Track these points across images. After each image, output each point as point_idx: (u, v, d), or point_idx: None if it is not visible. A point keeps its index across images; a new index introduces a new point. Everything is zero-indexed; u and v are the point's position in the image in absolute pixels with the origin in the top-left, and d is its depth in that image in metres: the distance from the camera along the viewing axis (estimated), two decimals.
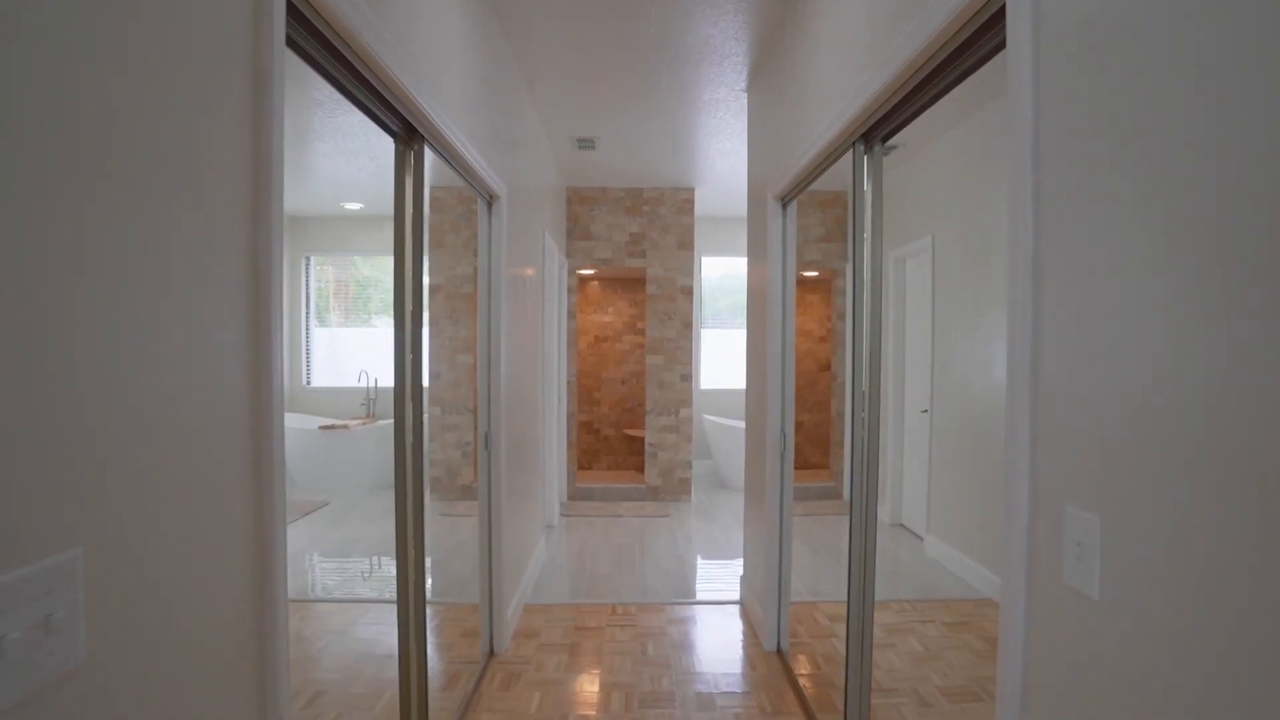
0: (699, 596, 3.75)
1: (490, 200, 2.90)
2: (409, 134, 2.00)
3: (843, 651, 3.37)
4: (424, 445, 2.09)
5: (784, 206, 2.96)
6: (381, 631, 2.78)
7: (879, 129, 1.93)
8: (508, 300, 3.11)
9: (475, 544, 3.10)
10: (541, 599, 3.68)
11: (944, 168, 4.26)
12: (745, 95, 3.69)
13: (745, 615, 3.48)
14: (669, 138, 4.50)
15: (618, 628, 3.30)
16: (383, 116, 1.86)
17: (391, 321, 2.09)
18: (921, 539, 4.57)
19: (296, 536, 4.72)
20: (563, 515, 5.47)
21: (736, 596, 3.74)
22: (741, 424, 6.89)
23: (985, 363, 3.76)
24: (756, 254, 3.38)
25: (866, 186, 2.00)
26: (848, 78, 2.05)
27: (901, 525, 5.17)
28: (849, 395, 5.40)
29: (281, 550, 1.14)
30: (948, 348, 4.29)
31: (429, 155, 2.28)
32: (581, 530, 5.07)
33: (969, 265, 4.05)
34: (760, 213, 3.29)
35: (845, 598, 3.78)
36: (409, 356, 1.98)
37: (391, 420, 5.82)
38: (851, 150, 2.04)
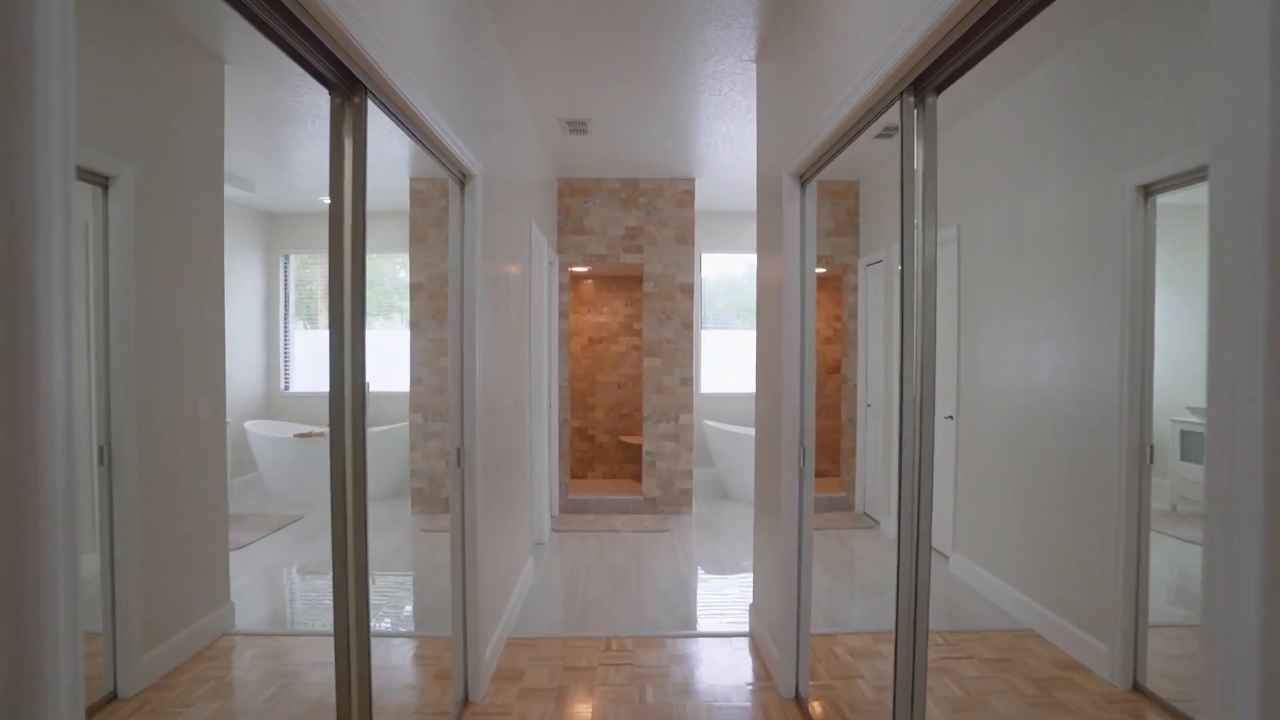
0: (703, 626, 3.36)
1: (462, 179, 2.51)
2: (348, 84, 1.61)
3: (870, 696, 2.98)
4: (365, 459, 1.71)
5: (802, 186, 2.58)
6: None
7: (932, 75, 1.54)
8: (485, 296, 2.72)
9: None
10: (528, 630, 3.28)
11: (973, 146, 3.87)
12: (754, 66, 3.30)
13: (756, 650, 3.09)
14: (668, 119, 4.12)
15: (612, 667, 2.90)
16: (313, 60, 1.47)
17: (344, 323, 1.70)
18: (946, 557, 4.17)
19: (263, 555, 4.30)
20: (554, 530, 5.07)
21: (745, 627, 3.35)
22: (745, 430, 6.51)
23: (1023, 366, 3.38)
24: (769, 244, 3.00)
25: (918, 150, 1.61)
26: (892, 15, 1.66)
27: None
28: (862, 399, 4.97)
29: (56, 582, 0.75)
30: (976, 349, 3.90)
31: (388, 124, 1.90)
32: (574, 547, 4.67)
33: (1003, 257, 3.66)
34: (773, 197, 2.91)
35: (869, 628, 3.40)
36: (348, 359, 1.60)
37: (380, 429, 5.38)
38: (899, 103, 1.65)
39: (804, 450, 2.56)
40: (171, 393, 1.70)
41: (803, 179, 2.56)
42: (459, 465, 2.51)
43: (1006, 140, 3.89)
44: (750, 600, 3.60)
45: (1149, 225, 1.82)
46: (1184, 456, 1.98)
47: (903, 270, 1.65)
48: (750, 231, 6.80)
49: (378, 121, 1.79)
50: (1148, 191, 1.85)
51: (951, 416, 4.47)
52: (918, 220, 1.62)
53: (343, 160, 1.60)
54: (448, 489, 2.99)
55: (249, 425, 6.67)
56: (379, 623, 3.26)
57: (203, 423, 1.86)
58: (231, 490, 6.18)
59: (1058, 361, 3.53)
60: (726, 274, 6.98)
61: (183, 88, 1.72)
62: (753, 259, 6.95)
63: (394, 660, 3.00)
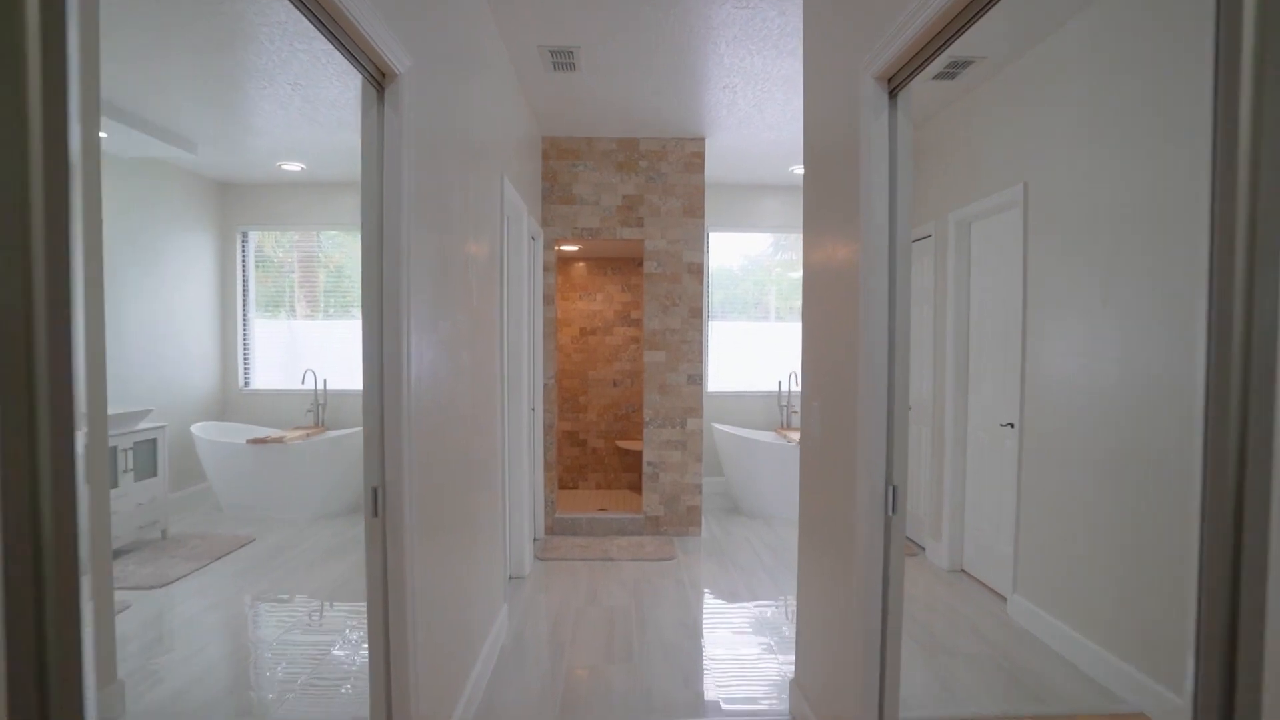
0: (728, 704, 2.53)
1: (379, 80, 1.65)
2: None
3: None
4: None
5: (892, 96, 1.73)
6: None
7: None
8: (423, 263, 1.86)
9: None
10: (495, 716, 2.44)
11: (1047, 86, 3.01)
12: None
13: None
14: (676, 47, 3.25)
15: None
16: None
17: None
18: (1005, 599, 3.32)
19: (194, 594, 3.43)
20: (537, 558, 4.23)
21: (782, 705, 2.53)
22: (759, 436, 5.68)
23: (1118, 362, 2.54)
24: (829, 196, 2.15)
25: None
26: None
27: (964, 572, 3.89)
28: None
29: None
30: (1045, 340, 3.07)
31: None
32: (561, 583, 3.83)
33: (1084, 227, 2.83)
34: (838, 122, 2.06)
35: (944, 713, 2.56)
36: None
37: (344, 431, 4.45)
38: None
39: (892, 491, 1.72)
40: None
41: (892, 85, 1.71)
42: (377, 514, 1.66)
43: (1102, 66, 3.02)
44: (791, 673, 2.77)
45: None
46: None
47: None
48: (765, 207, 5.95)
49: None
50: None
51: (1011, 424, 3.61)
52: None
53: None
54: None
55: (196, 429, 5.75)
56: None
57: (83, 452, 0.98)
58: (173, 505, 5.30)
59: (1158, 352, 2.70)
60: (722, 266, 6.12)
61: None
62: (757, 243, 6.10)
63: None
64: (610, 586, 3.76)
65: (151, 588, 3.60)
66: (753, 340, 6.10)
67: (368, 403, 1.66)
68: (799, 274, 6.13)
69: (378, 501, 1.66)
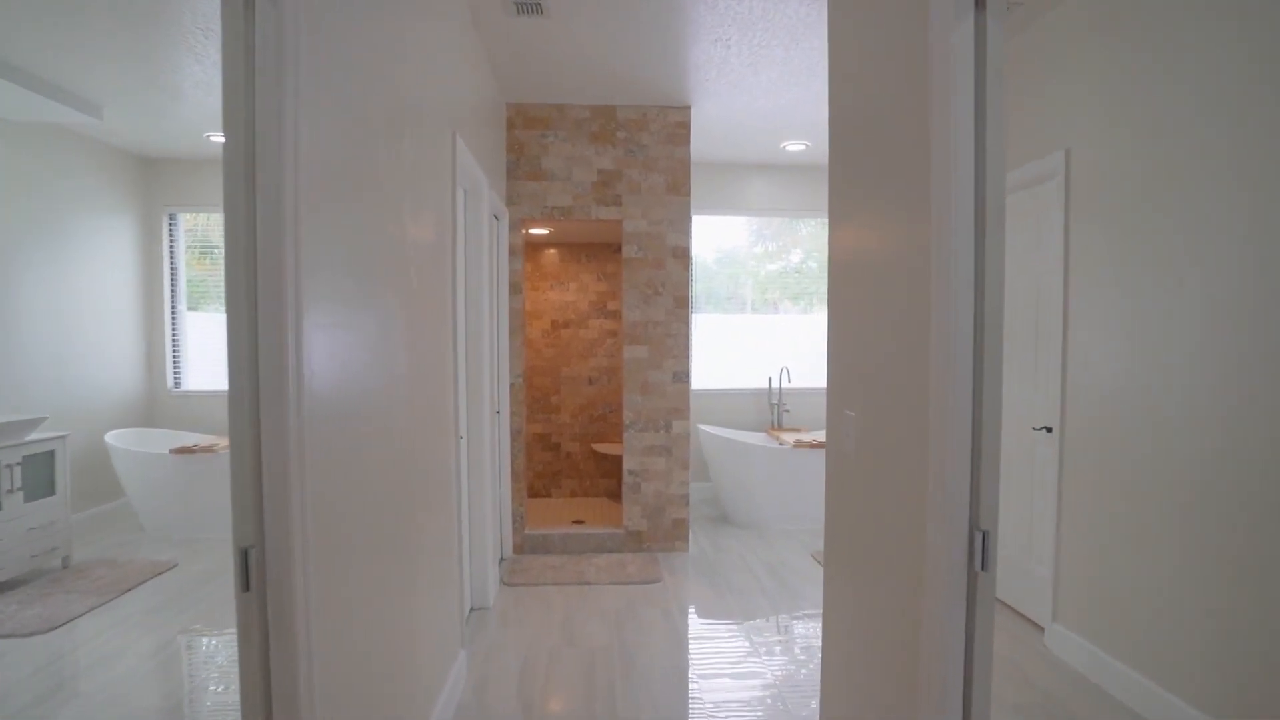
0: None
1: None
2: None
3: None
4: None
5: (979, 5, 1.24)
6: None
7: None
8: (309, 229, 1.33)
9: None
10: None
11: (1095, 36, 2.55)
12: None
13: None
14: None
15: None
16: None
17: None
18: (1041, 629, 2.89)
19: (88, 637, 2.83)
20: (504, 583, 3.71)
21: None
22: (751, 438, 5.22)
23: (1186, 359, 2.06)
24: (863, 166, 1.66)
25: None
26: None
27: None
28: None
29: None
30: (1091, 332, 2.59)
31: None
32: (532, 616, 3.31)
33: (1140, 200, 2.35)
34: (896, 48, 1.57)
35: None
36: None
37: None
38: None
39: (982, 538, 1.24)
40: None
41: None
42: (249, 587, 1.14)
43: (1151, 25, 2.55)
44: None
45: None
46: None
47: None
48: (751, 189, 5.47)
49: None
50: None
51: (1050, 429, 3.10)
52: None
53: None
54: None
55: (111, 438, 5.07)
56: None
57: None
58: (82, 527, 4.63)
59: (1227, 350, 2.25)
60: (697, 257, 5.63)
61: None
62: (733, 235, 5.62)
63: None
64: (588, 618, 3.26)
65: (33, 633, 3.00)
66: (733, 334, 5.63)
67: (234, 425, 1.13)
68: (777, 266, 5.66)
69: (249, 570, 1.13)
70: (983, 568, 1.24)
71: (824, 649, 1.98)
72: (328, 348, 1.34)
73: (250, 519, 1.13)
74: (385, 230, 1.73)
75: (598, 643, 2.99)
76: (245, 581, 1.13)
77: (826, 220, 5.78)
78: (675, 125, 4.13)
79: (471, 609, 3.34)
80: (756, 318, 5.66)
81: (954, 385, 1.26)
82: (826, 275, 5.69)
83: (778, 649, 2.94)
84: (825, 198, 5.54)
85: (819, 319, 5.71)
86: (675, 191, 4.15)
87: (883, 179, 1.56)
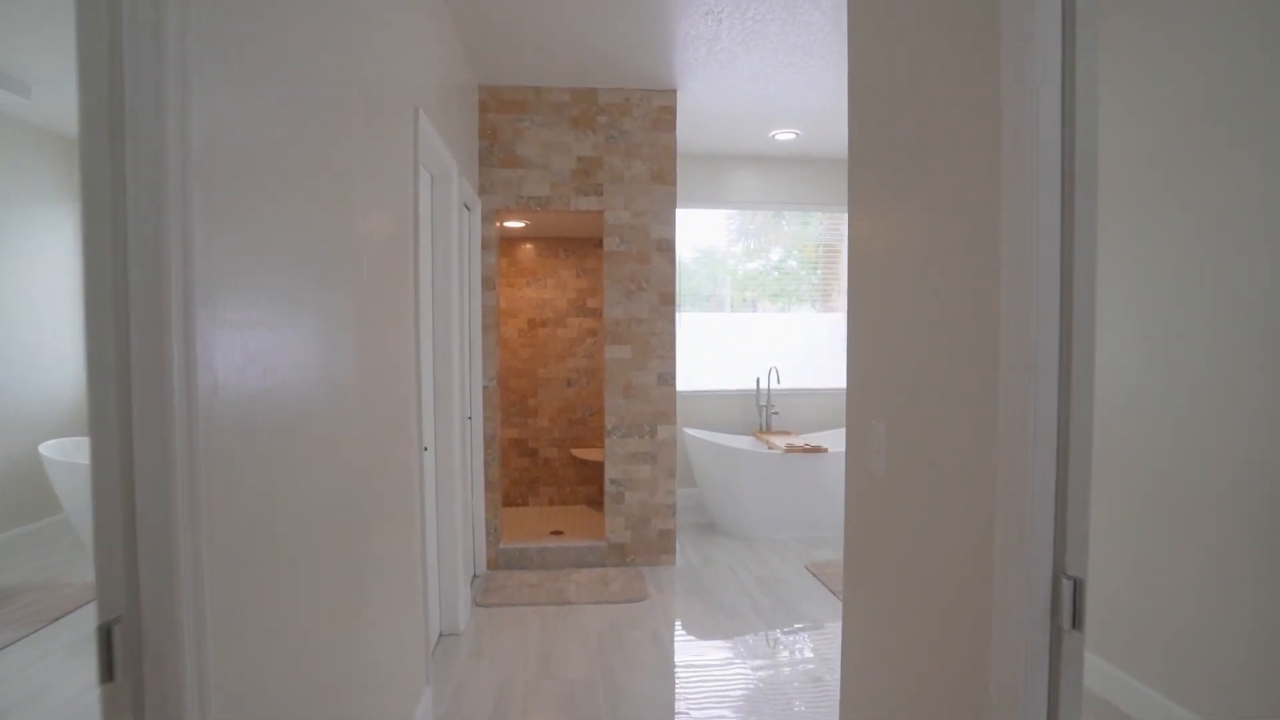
0: None
1: None
2: None
3: None
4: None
5: None
6: None
7: None
8: (219, 210, 1.04)
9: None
10: None
11: (1110, 17, 2.31)
12: None
13: None
14: None
15: None
16: None
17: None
18: (1067, 632, 2.69)
19: (21, 666, 2.50)
20: (476, 604, 3.41)
21: None
22: (738, 442, 4.98)
23: (1210, 358, 1.86)
24: (898, 135, 1.40)
25: None
26: None
27: None
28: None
29: None
30: (1104, 333, 2.41)
31: None
32: (506, 644, 3.03)
33: (1158, 193, 2.16)
34: None
35: None
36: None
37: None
38: None
39: (1072, 588, 0.99)
40: None
41: None
42: (113, 676, 0.84)
43: None
44: None
45: None
46: None
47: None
48: (737, 181, 5.22)
49: None
50: None
51: None
52: None
53: None
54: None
55: (46, 449, 4.70)
56: None
57: None
58: (11, 547, 4.24)
59: (1249, 349, 2.04)
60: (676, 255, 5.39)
61: None
62: (711, 234, 5.38)
63: None
64: (568, 644, 2.98)
65: None
66: (714, 333, 5.39)
67: (97, 458, 0.84)
68: (758, 264, 5.43)
69: (113, 652, 0.84)
70: (1073, 625, 0.99)
71: (844, 705, 1.72)
72: (244, 350, 1.05)
73: (117, 583, 0.84)
74: (329, 216, 1.44)
75: (578, 674, 2.72)
76: (108, 668, 0.84)
77: (812, 215, 5.57)
78: (660, 110, 3.86)
79: (440, 635, 3.04)
80: (736, 317, 5.42)
81: (1033, 398, 1.01)
82: (805, 273, 5.50)
83: (778, 674, 2.69)
84: (815, 190, 5.32)
85: (800, 317, 5.48)
86: (660, 181, 3.89)
87: (924, 156, 1.31)
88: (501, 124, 3.78)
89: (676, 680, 2.68)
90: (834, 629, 3.15)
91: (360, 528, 1.64)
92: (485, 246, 3.77)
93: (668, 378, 3.95)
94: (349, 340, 1.57)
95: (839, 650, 2.99)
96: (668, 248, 3.91)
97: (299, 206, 1.28)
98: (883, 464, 1.49)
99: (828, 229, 5.47)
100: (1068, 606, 0.99)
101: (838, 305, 5.51)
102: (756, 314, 5.45)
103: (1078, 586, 0.99)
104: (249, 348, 1.08)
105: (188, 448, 0.87)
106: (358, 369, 1.62)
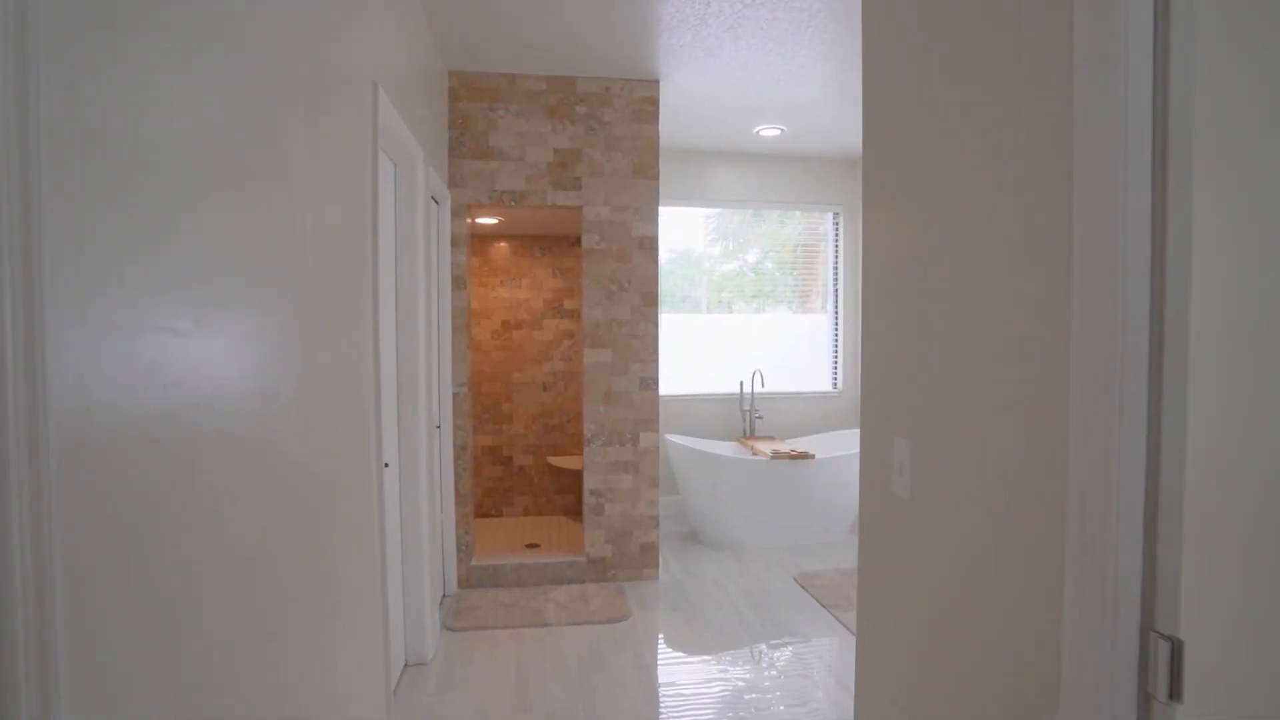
0: None
1: None
2: None
3: None
4: None
5: None
6: None
7: None
8: (105, 184, 0.81)
9: None
10: None
11: None
12: None
13: None
14: None
15: None
16: None
17: None
18: (1160, 703, 2.54)
19: None
20: (446, 628, 3.18)
21: None
22: (720, 449, 4.81)
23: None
24: (930, 110, 1.22)
25: None
26: None
27: None
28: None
29: None
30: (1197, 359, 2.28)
31: None
32: (479, 673, 2.80)
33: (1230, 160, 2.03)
34: None
35: None
36: None
37: None
38: None
39: (1169, 650, 0.81)
40: None
41: None
42: None
43: None
44: None
45: None
46: None
47: None
48: (718, 179, 5.06)
49: None
50: None
51: None
52: None
53: None
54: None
55: None
56: None
57: None
58: None
59: None
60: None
61: None
62: (687, 237, 5.21)
63: None
64: (546, 672, 2.76)
65: None
66: (693, 335, 5.21)
67: None
68: (733, 266, 5.27)
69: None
70: (1171, 696, 0.81)
71: None
72: (138, 362, 0.83)
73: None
74: (262, 206, 1.21)
75: (559, 703, 2.50)
76: None
77: (791, 214, 5.41)
78: (642, 101, 3.67)
79: (406, 665, 2.80)
80: (712, 318, 5.24)
81: (1117, 417, 0.83)
82: (782, 274, 5.32)
83: (770, 700, 2.51)
84: (800, 189, 5.17)
85: (778, 319, 5.32)
86: (642, 175, 3.69)
87: (965, 131, 1.13)
88: (473, 113, 3.55)
89: (662, 708, 2.48)
90: (824, 644, 2.98)
91: (303, 558, 1.42)
92: (455, 243, 3.53)
93: (650, 382, 3.75)
94: (290, 348, 1.35)
95: (830, 666, 2.83)
96: (650, 245, 3.71)
97: (221, 195, 1.06)
98: (907, 485, 1.30)
99: (805, 229, 5.32)
100: (1163, 672, 0.81)
101: (815, 307, 5.36)
102: (732, 315, 5.28)
103: (1176, 649, 0.81)
104: (146, 358, 0.85)
105: (31, 479, 0.64)
106: (299, 380, 1.40)
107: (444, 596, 3.52)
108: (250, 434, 1.16)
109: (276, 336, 1.28)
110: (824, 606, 3.38)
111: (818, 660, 2.87)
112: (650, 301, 3.73)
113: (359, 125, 1.90)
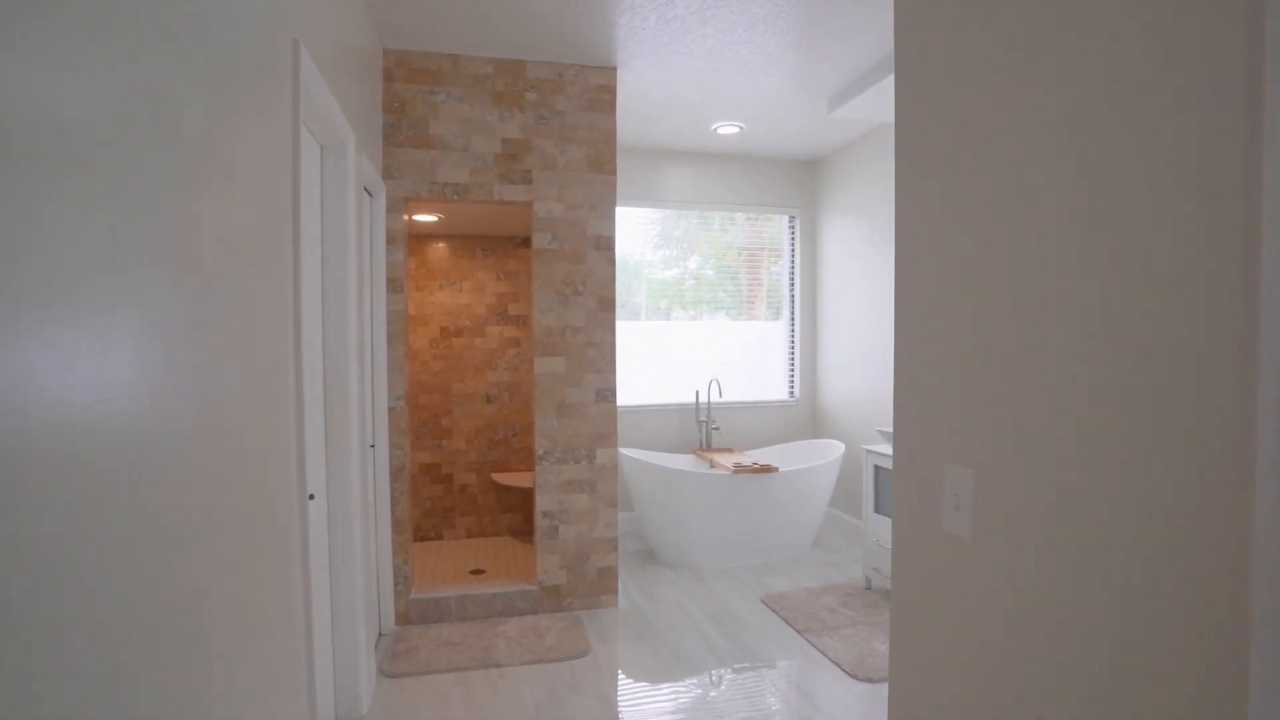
0: None
1: None
2: None
3: None
4: None
5: None
6: None
7: None
8: None
9: None
10: None
11: None
12: None
13: None
14: None
15: None
16: None
17: None
18: None
19: None
20: (383, 674, 2.81)
21: None
22: (677, 463, 4.58)
23: None
24: (1015, 74, 1.00)
25: None
26: None
27: None
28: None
29: None
30: None
31: None
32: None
33: None
34: None
35: None
36: None
37: None
38: None
39: None
40: None
41: None
42: None
43: None
44: None
45: None
46: None
47: None
48: (671, 179, 4.84)
49: None
50: None
51: None
52: None
53: None
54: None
55: None
56: None
57: None
58: None
59: None
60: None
61: None
62: (627, 243, 4.99)
63: None
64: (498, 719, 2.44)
65: None
66: (636, 341, 4.97)
67: None
68: (673, 273, 5.06)
69: None
70: None
71: None
72: None
73: None
74: (134, 189, 0.88)
75: None
76: None
77: (736, 217, 5.22)
78: (598, 89, 3.40)
79: None
80: (650, 325, 5.01)
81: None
82: (722, 280, 5.12)
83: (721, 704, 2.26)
84: (756, 192, 5.00)
85: (717, 325, 5.13)
86: (598, 169, 3.42)
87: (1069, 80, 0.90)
88: (411, 96, 3.20)
89: None
90: (800, 671, 2.77)
91: (198, 610, 1.08)
92: (392, 241, 3.17)
93: (607, 394, 3.47)
94: (178, 361, 1.01)
95: (810, 697, 2.57)
96: (607, 246, 3.44)
97: (67, 178, 0.73)
98: (968, 526, 1.08)
99: (750, 234, 5.15)
100: None
101: (760, 314, 5.20)
102: (669, 322, 5.05)
103: None
104: None
105: None
106: (192, 401, 1.06)
107: (380, 636, 3.13)
108: (113, 474, 0.82)
109: (159, 350, 0.95)
110: (797, 631, 3.18)
111: (796, 692, 2.65)
112: (607, 306, 3.46)
113: (276, 92, 1.56)
